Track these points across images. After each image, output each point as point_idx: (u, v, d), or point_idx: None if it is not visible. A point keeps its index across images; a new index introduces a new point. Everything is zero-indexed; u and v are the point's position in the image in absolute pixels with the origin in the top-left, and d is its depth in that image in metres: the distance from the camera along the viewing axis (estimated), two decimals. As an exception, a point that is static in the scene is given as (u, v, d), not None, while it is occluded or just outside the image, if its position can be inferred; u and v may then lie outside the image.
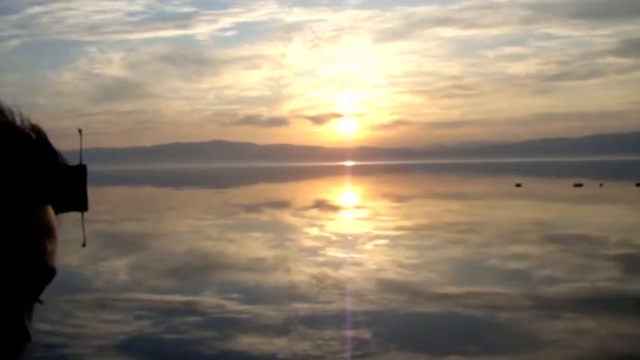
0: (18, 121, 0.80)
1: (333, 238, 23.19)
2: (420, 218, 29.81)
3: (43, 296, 0.82)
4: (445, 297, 12.94)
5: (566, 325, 10.79)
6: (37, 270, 0.78)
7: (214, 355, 9.58)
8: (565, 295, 13.00)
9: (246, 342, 10.10)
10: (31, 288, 0.79)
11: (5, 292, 0.74)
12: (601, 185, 58.10)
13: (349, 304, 12.55)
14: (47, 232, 0.79)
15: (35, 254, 0.77)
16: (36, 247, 0.77)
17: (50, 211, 0.81)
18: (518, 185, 60.63)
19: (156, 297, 13.35)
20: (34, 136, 0.80)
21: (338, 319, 11.35)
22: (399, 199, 45.71)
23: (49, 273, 0.80)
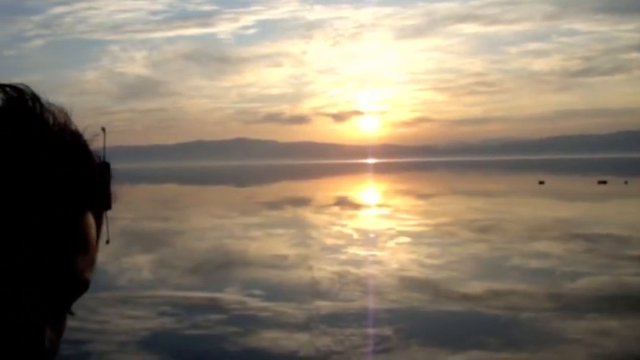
0: (66, 123, 0.79)
1: (355, 235, 23.18)
2: (442, 216, 29.69)
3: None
4: (467, 295, 12.89)
5: (590, 324, 10.71)
6: (69, 282, 0.77)
7: (237, 352, 9.61)
8: (589, 294, 12.91)
9: (269, 338, 10.13)
10: (62, 301, 0.77)
11: (30, 308, 0.73)
12: (626, 182, 57.49)
13: (371, 302, 12.54)
14: (83, 242, 0.78)
15: (69, 266, 0.76)
16: (70, 260, 0.76)
17: (89, 219, 0.80)
18: (541, 182, 60.18)
19: (179, 294, 13.42)
20: (77, 140, 0.79)
21: (360, 317, 11.35)
22: (421, 196, 45.58)
23: (83, 286, 0.79)
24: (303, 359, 9.24)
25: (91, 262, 0.80)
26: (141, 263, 17.44)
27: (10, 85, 0.77)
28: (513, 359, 9.10)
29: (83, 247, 0.77)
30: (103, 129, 0.76)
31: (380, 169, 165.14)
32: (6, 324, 0.71)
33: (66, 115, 0.78)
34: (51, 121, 0.77)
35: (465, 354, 9.26)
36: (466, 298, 12.70)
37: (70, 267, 0.76)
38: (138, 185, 79.64)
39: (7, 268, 0.71)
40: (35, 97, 0.77)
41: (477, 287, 13.55)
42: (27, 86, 0.77)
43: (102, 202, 0.82)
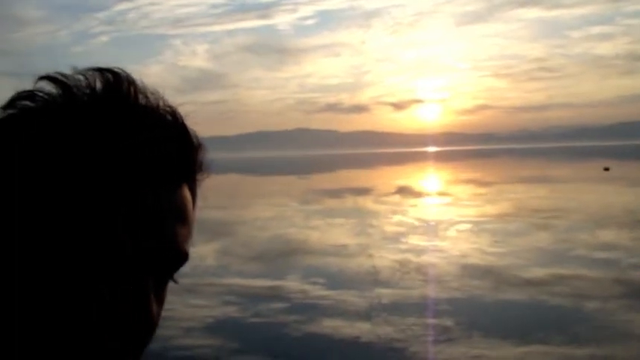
0: (161, 104, 0.82)
1: (416, 224, 23.12)
2: (504, 204, 29.36)
3: None
4: (531, 284, 12.77)
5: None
6: (171, 255, 0.80)
7: (298, 339, 9.73)
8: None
9: (330, 326, 10.22)
10: (163, 273, 0.81)
11: (135, 279, 0.76)
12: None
13: (432, 291, 12.52)
14: (182, 215, 0.81)
15: (170, 239, 0.79)
16: (171, 232, 0.79)
17: (186, 193, 0.83)
18: (606, 169, 58.86)
19: (241, 282, 13.63)
20: (173, 119, 0.82)
21: (420, 306, 11.35)
22: (483, 184, 45.10)
23: (182, 257, 0.82)
24: (364, 347, 9.31)
25: (189, 235, 0.83)
26: (204, 252, 17.71)
27: (106, 69, 0.80)
28: (578, 353, 8.99)
29: (183, 220, 0.81)
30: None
31: (441, 158, 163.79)
32: (115, 295, 0.74)
33: (160, 95, 0.82)
34: (148, 101, 0.81)
35: (528, 346, 9.17)
36: (529, 286, 12.57)
37: (172, 239, 0.79)
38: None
39: (114, 241, 0.73)
40: (131, 80, 0.81)
41: (540, 276, 13.40)
42: (122, 69, 0.81)
43: (198, 176, 0.86)
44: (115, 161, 0.75)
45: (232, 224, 24.51)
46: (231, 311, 11.35)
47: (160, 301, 0.82)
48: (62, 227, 0.72)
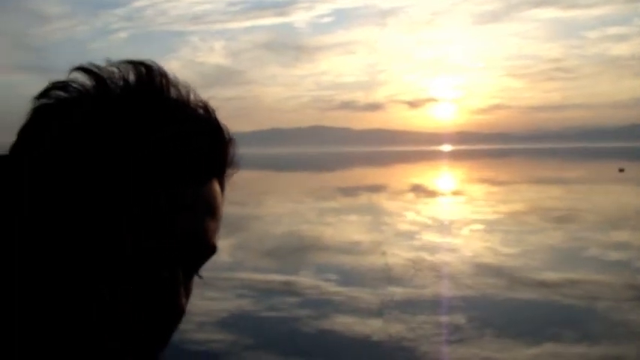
0: (192, 98, 0.82)
1: (430, 222, 23.13)
2: (518, 204, 29.29)
3: None
4: (543, 284, 12.77)
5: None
6: (199, 248, 0.81)
7: (310, 334, 9.79)
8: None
9: (342, 322, 10.28)
10: (191, 265, 0.82)
11: (165, 271, 0.77)
12: None
13: (445, 289, 12.56)
14: (212, 209, 0.82)
15: (199, 232, 0.80)
16: (200, 225, 0.80)
17: (216, 187, 0.84)
18: (621, 170, 58.52)
19: (255, 276, 13.71)
20: (205, 113, 0.82)
21: (433, 304, 11.39)
22: (497, 184, 44.98)
23: (211, 250, 0.84)
24: (376, 344, 9.37)
25: (218, 228, 0.85)
26: (219, 246, 17.79)
27: (139, 62, 0.80)
28: (590, 353, 9.01)
29: (212, 213, 0.82)
30: None
31: (456, 157, 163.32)
32: (146, 286, 0.75)
33: (191, 89, 0.82)
34: (180, 94, 0.81)
35: (539, 347, 9.18)
36: (542, 286, 12.57)
37: (201, 232, 0.80)
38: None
39: (147, 232, 0.74)
40: (164, 73, 0.81)
41: (553, 276, 13.39)
42: (154, 62, 0.81)
43: (228, 171, 0.87)
44: (146, 154, 0.75)
45: (246, 220, 24.58)
46: (245, 305, 11.43)
47: (188, 293, 0.83)
48: (85, 220, 0.73)
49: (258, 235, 20.70)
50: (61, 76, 0.79)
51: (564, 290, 12.25)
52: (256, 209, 29.41)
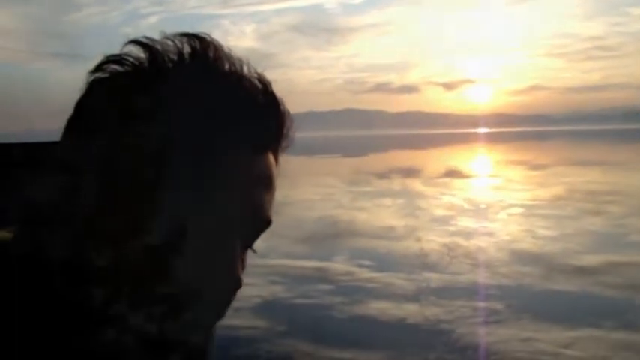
0: (246, 71, 0.82)
1: (466, 206, 22.89)
2: (557, 187, 28.85)
3: None
4: (582, 270, 12.53)
5: None
6: (256, 220, 0.82)
7: (344, 320, 9.73)
8: None
9: (376, 307, 10.20)
10: (247, 237, 0.82)
11: (223, 244, 0.77)
12: None
13: (480, 275, 12.39)
14: (268, 182, 0.83)
15: (257, 205, 0.80)
16: (257, 198, 0.81)
17: (272, 160, 0.84)
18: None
19: (288, 262, 13.67)
20: (260, 85, 0.82)
21: (468, 290, 11.24)
22: (535, 167, 44.46)
23: (267, 223, 0.85)
24: (410, 328, 9.26)
25: (272, 201, 0.85)
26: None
27: (193, 34, 0.80)
28: (629, 339, 8.80)
29: (268, 186, 0.83)
30: None
31: (492, 139, 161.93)
32: (208, 256, 0.76)
33: (247, 62, 0.82)
34: (235, 68, 0.81)
35: (577, 330, 9.02)
36: (580, 272, 12.35)
37: (259, 205, 0.81)
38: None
39: (208, 207, 0.75)
40: (218, 46, 0.81)
41: (592, 262, 13.14)
42: (208, 35, 0.81)
43: (283, 144, 0.87)
44: (203, 126, 0.75)
45: (279, 205, 24.52)
46: (279, 291, 11.40)
47: (243, 266, 0.84)
48: (144, 194, 0.73)
49: (290, 220, 20.64)
50: (95, 61, 0.78)
51: (604, 277, 12.01)
52: (288, 194, 29.38)
